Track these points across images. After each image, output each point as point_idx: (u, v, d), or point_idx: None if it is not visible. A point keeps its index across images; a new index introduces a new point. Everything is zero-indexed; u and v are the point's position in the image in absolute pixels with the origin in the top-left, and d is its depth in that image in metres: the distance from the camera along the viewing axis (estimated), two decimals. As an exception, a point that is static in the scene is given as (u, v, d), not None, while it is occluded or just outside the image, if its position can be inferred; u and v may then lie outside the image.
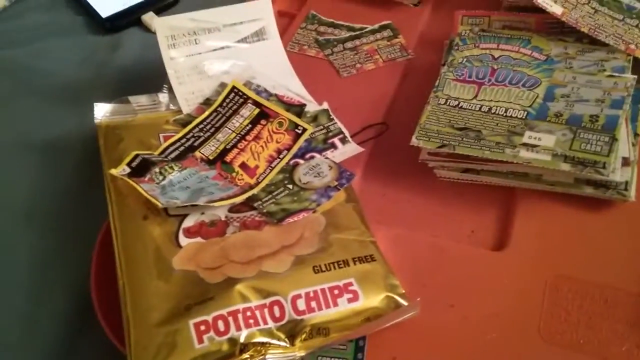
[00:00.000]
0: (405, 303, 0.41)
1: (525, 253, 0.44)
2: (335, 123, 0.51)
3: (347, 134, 0.51)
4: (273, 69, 0.54)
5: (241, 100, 0.52)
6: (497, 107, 0.48)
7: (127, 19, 0.69)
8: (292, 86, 0.54)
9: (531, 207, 0.46)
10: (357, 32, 0.61)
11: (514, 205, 0.47)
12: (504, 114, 0.47)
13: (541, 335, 0.40)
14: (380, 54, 0.59)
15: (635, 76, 0.47)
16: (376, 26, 0.61)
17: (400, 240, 0.46)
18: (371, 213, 0.47)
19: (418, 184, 0.50)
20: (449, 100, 0.49)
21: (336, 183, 0.47)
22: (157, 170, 0.46)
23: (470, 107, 0.48)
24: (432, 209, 0.48)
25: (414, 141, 0.47)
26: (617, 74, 0.48)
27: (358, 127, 0.53)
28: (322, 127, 0.51)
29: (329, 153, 0.49)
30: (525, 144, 0.45)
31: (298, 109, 0.51)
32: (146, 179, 0.46)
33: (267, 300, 0.40)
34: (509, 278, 0.43)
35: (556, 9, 0.51)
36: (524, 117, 0.46)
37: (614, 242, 0.44)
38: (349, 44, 0.60)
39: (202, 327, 0.38)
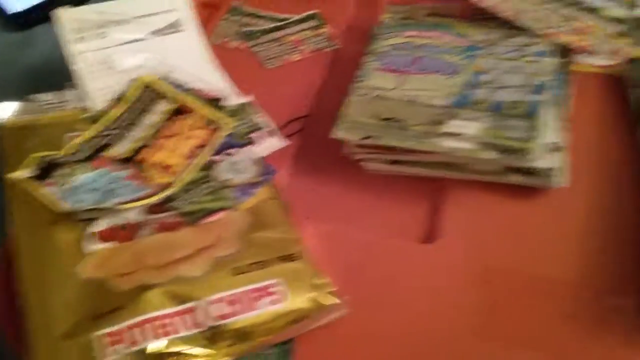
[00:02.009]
0: (333, 302, 0.39)
1: (456, 245, 0.43)
2: (259, 116, 0.49)
3: (271, 127, 0.49)
4: (191, 62, 0.51)
5: (155, 95, 0.49)
6: (421, 95, 0.47)
7: (38, 14, 0.64)
8: (212, 79, 0.51)
9: (461, 198, 0.46)
10: (282, 23, 0.59)
11: (444, 196, 0.46)
12: (428, 103, 0.46)
13: (475, 330, 0.39)
14: (306, 45, 0.57)
15: (557, 60, 0.47)
16: (302, 16, 0.59)
17: (330, 236, 0.44)
18: (300, 209, 0.45)
19: (347, 178, 0.48)
20: (372, 90, 0.48)
21: (259, 179, 0.45)
22: (63, 172, 0.43)
23: (394, 97, 0.47)
24: (362, 203, 0.47)
25: (335, 133, 0.46)
26: (539, 59, 0.47)
27: (284, 120, 0.51)
28: (244, 121, 0.48)
29: (251, 148, 0.47)
30: (448, 133, 0.44)
31: (217, 103, 0.49)
32: (50, 181, 0.42)
33: (184, 306, 0.38)
34: (440, 272, 0.42)
35: (477, -5, 0.50)
36: (447, 105, 0.46)
37: (546, 231, 0.43)
38: (273, 35, 0.58)
39: (112, 338, 0.36)
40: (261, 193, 0.44)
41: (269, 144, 0.48)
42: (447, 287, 0.41)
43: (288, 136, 0.50)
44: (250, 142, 0.47)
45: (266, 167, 0.46)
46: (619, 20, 0.50)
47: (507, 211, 0.44)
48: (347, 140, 0.46)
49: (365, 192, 0.47)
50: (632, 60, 0.50)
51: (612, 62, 0.49)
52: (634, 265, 0.41)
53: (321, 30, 0.58)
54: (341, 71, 0.55)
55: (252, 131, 0.48)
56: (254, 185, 0.44)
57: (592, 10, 0.50)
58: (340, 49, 0.57)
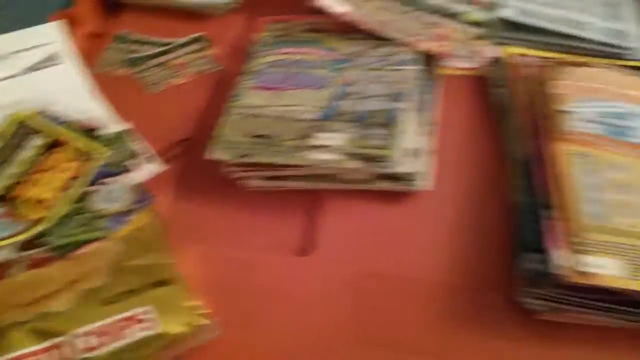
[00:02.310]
0: (206, 324, 0.40)
1: (331, 255, 0.44)
2: (137, 143, 0.50)
3: (149, 153, 0.49)
4: (69, 94, 0.51)
5: (30, 130, 0.48)
6: (292, 111, 0.48)
7: None
8: (90, 109, 0.51)
9: (336, 208, 0.47)
10: (167, 47, 0.59)
11: (320, 207, 0.47)
12: (299, 117, 0.47)
13: (356, 338, 0.40)
14: (190, 67, 0.58)
15: (418, 67, 0.49)
16: (187, 39, 0.60)
17: (207, 257, 0.45)
18: (180, 232, 0.45)
19: (227, 198, 0.49)
20: (247, 109, 0.49)
21: (133, 206, 0.45)
22: None
23: (267, 114, 0.48)
24: (242, 221, 0.47)
25: (211, 154, 0.46)
26: (401, 67, 0.49)
27: (166, 144, 0.51)
28: (120, 148, 0.49)
29: (128, 175, 0.47)
30: (316, 146, 0.45)
31: (93, 133, 0.49)
32: None
33: (51, 342, 0.38)
34: (317, 283, 0.43)
35: (339, 9, 0.52)
36: (315, 119, 0.47)
37: (416, 234, 0.45)
38: (158, 60, 0.58)
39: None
40: (137, 220, 0.45)
41: (147, 170, 0.48)
42: (323, 297, 0.42)
43: (169, 160, 0.50)
44: (126, 170, 0.47)
45: (143, 193, 0.46)
46: (478, 24, 0.52)
47: (379, 217, 0.46)
48: (222, 160, 0.47)
49: (244, 210, 0.48)
50: (493, 62, 0.52)
51: (475, 65, 0.52)
52: (500, 263, 0.42)
53: (206, 52, 0.59)
54: (224, 92, 0.56)
55: (129, 158, 0.48)
56: (128, 213, 0.44)
57: (454, 16, 0.52)
58: (224, 70, 0.58)
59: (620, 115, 0.47)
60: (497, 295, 0.41)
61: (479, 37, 0.51)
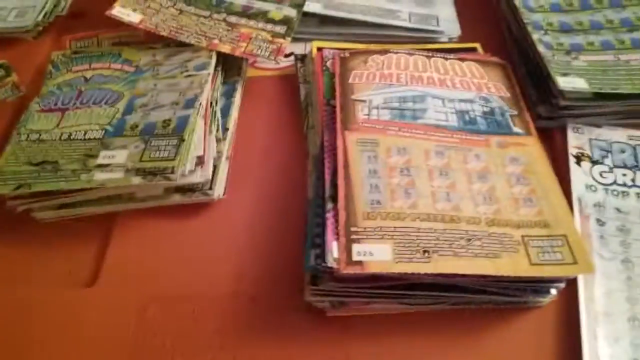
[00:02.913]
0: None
1: (116, 282, 0.40)
2: None
3: None
4: None
5: None
6: (76, 131, 0.44)
7: None
8: None
9: (129, 230, 0.43)
10: (-38, 78, 0.54)
11: (112, 232, 0.43)
12: (83, 138, 0.44)
13: None
14: (-13, 98, 0.53)
15: (212, 71, 0.46)
16: (-15, 68, 0.55)
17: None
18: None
19: (17, 233, 0.44)
20: (30, 135, 0.45)
21: None
22: None
23: (51, 138, 0.44)
24: (31, 257, 0.43)
25: (-14, 188, 0.42)
26: (197, 73, 0.46)
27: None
28: None
29: None
30: (99, 165, 0.41)
31: None
32: None
33: None
34: (99, 314, 0.39)
35: (134, 18, 0.49)
36: (101, 137, 0.43)
37: (209, 246, 0.42)
38: (-48, 93, 0.53)
39: None
40: None
41: None
42: (105, 326, 0.38)
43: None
44: None
45: None
46: (283, 22, 0.50)
47: (172, 234, 0.43)
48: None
49: (35, 244, 0.43)
50: (300, 58, 0.50)
51: (280, 64, 0.50)
52: (295, 265, 0.40)
53: (6, 80, 0.54)
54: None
55: None
56: None
57: (257, 16, 0.51)
58: (26, 96, 0.54)
59: (410, 99, 0.45)
60: (291, 298, 0.38)
61: (284, 35, 0.50)
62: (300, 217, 0.42)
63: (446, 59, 0.48)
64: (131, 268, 0.41)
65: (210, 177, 0.42)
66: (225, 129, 0.45)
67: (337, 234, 0.36)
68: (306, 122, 0.47)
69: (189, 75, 0.46)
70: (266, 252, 0.41)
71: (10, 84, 0.54)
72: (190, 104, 0.44)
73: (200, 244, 0.42)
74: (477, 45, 0.53)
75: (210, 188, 0.42)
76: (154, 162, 0.41)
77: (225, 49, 0.48)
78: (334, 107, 0.44)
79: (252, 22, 0.50)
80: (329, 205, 0.38)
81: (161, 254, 0.41)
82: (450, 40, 0.54)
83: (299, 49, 0.52)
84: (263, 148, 0.46)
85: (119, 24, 0.53)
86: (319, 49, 0.50)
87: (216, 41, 0.48)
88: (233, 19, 0.50)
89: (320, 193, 0.40)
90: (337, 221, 0.37)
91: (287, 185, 0.44)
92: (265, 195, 0.44)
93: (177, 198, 0.42)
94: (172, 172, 0.40)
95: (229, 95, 0.48)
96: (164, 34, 0.48)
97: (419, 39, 0.53)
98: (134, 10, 0.49)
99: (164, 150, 0.41)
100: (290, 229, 0.41)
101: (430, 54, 0.49)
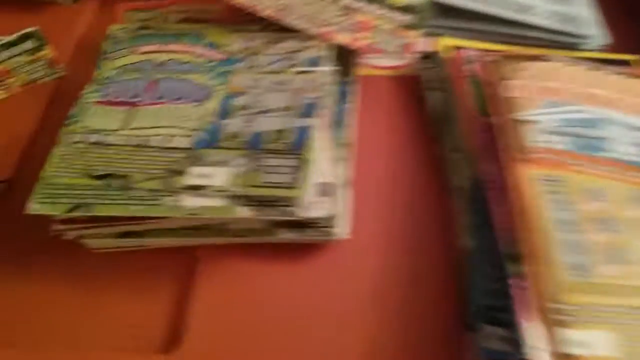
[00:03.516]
0: None
1: (200, 348, 0.30)
2: None
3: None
4: None
5: None
6: (154, 136, 0.33)
7: None
8: None
9: (216, 273, 0.32)
10: (-17, 48, 0.43)
11: (193, 274, 0.32)
12: (165, 146, 0.32)
13: None
14: (16, 76, 0.41)
15: (330, 68, 0.36)
16: (13, 37, 0.43)
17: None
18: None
19: (60, 267, 0.33)
20: (88, 135, 0.34)
21: None
22: None
23: (117, 142, 0.33)
24: (77, 301, 0.32)
25: (30, 207, 0.31)
26: (311, 69, 0.36)
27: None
28: None
29: None
30: (189, 187, 0.31)
31: None
32: None
33: None
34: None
35: (225, -12, 0.38)
36: (189, 147, 0.32)
37: (327, 299, 0.32)
38: (-31, 67, 0.42)
39: None
40: None
41: None
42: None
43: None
44: None
45: None
46: (405, 9, 0.40)
47: (275, 281, 0.32)
48: (48, 215, 0.31)
49: (83, 283, 0.32)
50: (425, 57, 0.40)
51: (402, 62, 0.39)
52: (441, 333, 0.30)
53: (40, 54, 0.43)
54: (65, 108, 0.40)
55: None
56: None
57: (376, 0, 0.40)
58: (67, 78, 0.42)
59: (588, 123, 0.36)
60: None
61: (406, 27, 0.39)
62: (439, 270, 0.32)
63: (619, 73, 0.39)
64: (222, 326, 0.30)
65: (334, 211, 0.32)
66: (346, 145, 0.35)
67: (531, 309, 0.27)
68: (441, 143, 0.37)
69: (302, 72, 0.35)
70: (397, 315, 0.31)
71: (44, 59, 0.43)
72: (309, 111, 0.33)
73: (313, 297, 0.31)
74: (631, 57, 0.43)
75: (331, 225, 0.32)
76: (266, 189, 0.30)
77: (344, 39, 0.37)
78: (490, 127, 0.34)
79: (372, 8, 0.39)
80: (512, 268, 0.28)
81: (261, 306, 0.31)
82: (597, 49, 0.44)
83: (419, 45, 0.41)
84: (386, 173, 0.36)
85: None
86: (451, 48, 0.40)
87: (329, 29, 0.38)
88: (348, 1, 0.39)
89: (487, 245, 0.30)
90: (526, 291, 0.27)
91: (421, 225, 0.34)
92: (394, 236, 0.33)
93: (286, 235, 0.32)
94: (293, 204, 0.30)
95: (343, 100, 0.37)
96: (266, 13, 0.37)
97: (559, 44, 0.44)
98: (226, -22, 0.38)
99: (280, 173, 0.31)
100: (428, 286, 0.32)
101: (597, 66, 0.39)
